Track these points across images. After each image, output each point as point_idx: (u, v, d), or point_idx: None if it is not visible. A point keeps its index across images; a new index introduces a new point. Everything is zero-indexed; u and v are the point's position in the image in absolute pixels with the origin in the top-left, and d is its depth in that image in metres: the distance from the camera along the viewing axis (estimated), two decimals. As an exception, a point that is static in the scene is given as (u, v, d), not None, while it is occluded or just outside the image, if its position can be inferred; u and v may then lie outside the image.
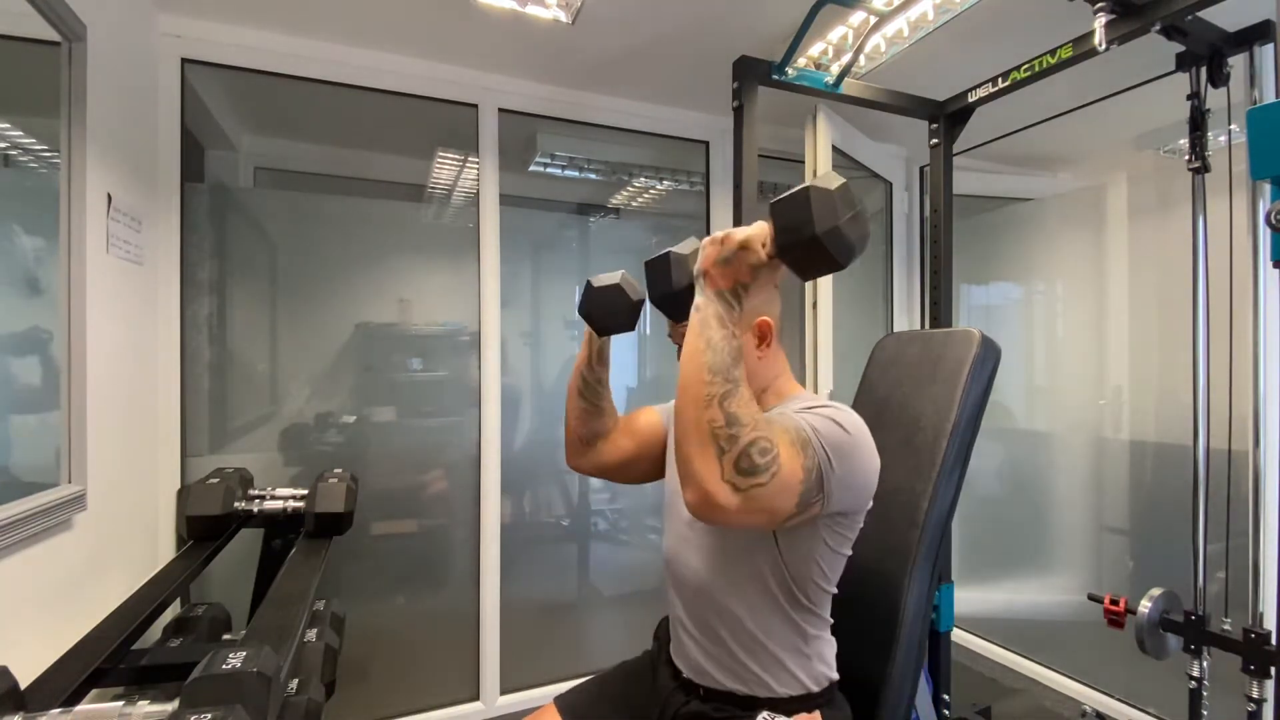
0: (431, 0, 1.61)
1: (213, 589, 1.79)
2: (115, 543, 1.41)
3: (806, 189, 0.71)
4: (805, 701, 0.92)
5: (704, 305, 0.78)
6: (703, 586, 0.96)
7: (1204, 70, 1.48)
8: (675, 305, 0.96)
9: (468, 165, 2.15)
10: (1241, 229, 1.51)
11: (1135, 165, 2.37)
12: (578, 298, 1.15)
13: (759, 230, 0.78)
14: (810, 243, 0.71)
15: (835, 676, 0.96)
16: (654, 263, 0.98)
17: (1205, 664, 1.47)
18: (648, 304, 1.07)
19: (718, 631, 0.95)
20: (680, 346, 1.05)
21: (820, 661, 0.94)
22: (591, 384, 1.14)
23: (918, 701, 1.15)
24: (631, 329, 1.10)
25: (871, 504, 0.89)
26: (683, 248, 0.96)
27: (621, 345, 1.17)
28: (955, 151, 1.92)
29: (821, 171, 0.75)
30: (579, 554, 2.42)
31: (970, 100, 1.78)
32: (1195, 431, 1.53)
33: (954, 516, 1.12)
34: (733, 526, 0.88)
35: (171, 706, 0.75)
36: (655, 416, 1.20)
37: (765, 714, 0.89)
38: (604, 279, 1.09)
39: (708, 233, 2.39)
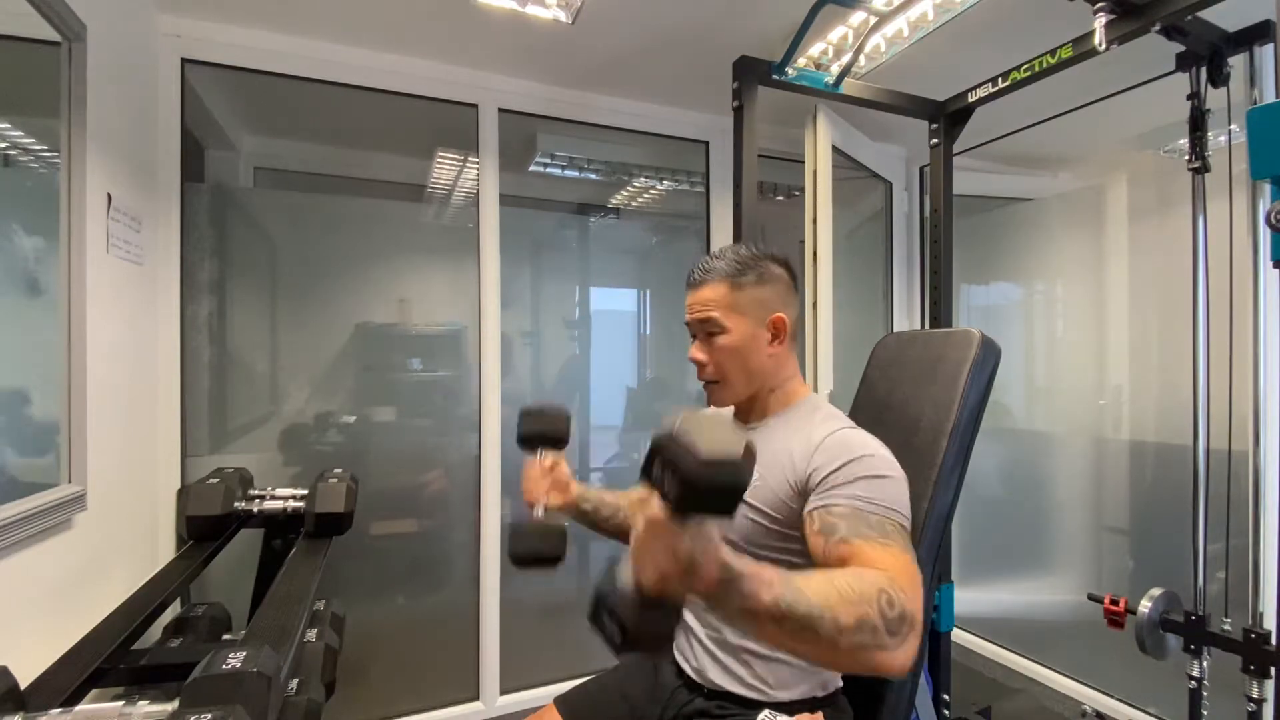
0: (431, 0, 1.61)
1: (213, 589, 1.79)
2: (115, 543, 1.41)
3: (652, 449, 0.58)
4: (808, 704, 0.92)
5: (722, 610, 0.62)
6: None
7: (1204, 70, 1.48)
8: None
9: (468, 165, 2.16)
10: (1241, 229, 1.51)
11: (1135, 165, 2.37)
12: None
13: (653, 510, 0.59)
14: (696, 492, 0.55)
15: (840, 684, 0.97)
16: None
17: (1205, 664, 1.47)
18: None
19: (725, 639, 0.95)
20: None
21: (826, 669, 0.95)
22: (588, 516, 1.16)
23: (918, 702, 1.15)
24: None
25: None
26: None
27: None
28: (955, 151, 1.92)
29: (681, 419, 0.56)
30: (579, 554, 2.42)
31: (970, 100, 1.78)
32: (1195, 431, 1.52)
33: (954, 516, 1.12)
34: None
35: (171, 706, 0.75)
36: None
37: (767, 713, 0.89)
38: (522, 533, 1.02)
39: (708, 234, 2.40)
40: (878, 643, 0.64)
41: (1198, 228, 1.54)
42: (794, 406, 1.01)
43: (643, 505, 0.60)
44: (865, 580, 0.67)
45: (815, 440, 0.89)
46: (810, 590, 0.63)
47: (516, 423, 1.10)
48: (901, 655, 0.66)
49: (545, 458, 1.11)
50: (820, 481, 0.85)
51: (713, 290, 0.97)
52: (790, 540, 0.88)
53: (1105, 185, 2.43)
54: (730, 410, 1.08)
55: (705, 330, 0.98)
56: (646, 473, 0.59)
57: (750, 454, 0.56)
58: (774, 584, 0.61)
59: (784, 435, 0.95)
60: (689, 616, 1.01)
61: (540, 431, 1.10)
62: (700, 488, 0.54)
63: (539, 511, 1.06)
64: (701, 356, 0.99)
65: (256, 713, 0.75)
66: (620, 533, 1.17)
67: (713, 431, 0.55)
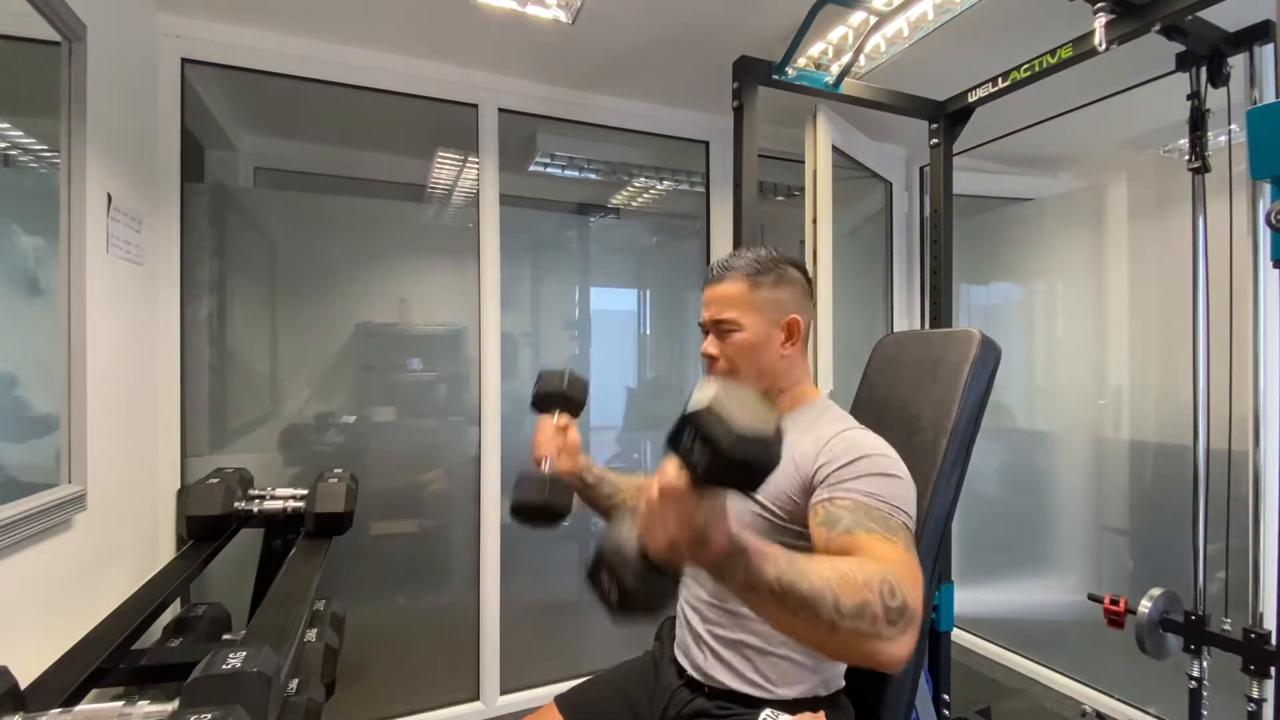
0: (431, 0, 1.61)
1: (213, 589, 1.79)
2: (115, 543, 1.41)
3: (686, 419, 0.58)
4: (810, 703, 0.92)
5: (726, 583, 0.63)
6: (716, 589, 0.96)
7: (1204, 70, 1.48)
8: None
9: (468, 165, 2.15)
10: (1241, 229, 1.51)
11: (1135, 165, 2.37)
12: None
13: (670, 478, 0.59)
14: (727, 465, 0.56)
15: (842, 683, 0.97)
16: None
17: (1205, 664, 1.47)
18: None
19: (728, 635, 0.95)
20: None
21: (829, 667, 0.95)
22: (590, 490, 1.15)
23: (918, 702, 1.15)
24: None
25: None
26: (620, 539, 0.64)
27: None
28: (955, 151, 1.92)
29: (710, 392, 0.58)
30: (579, 554, 2.42)
31: (970, 100, 1.78)
32: (1195, 431, 1.52)
33: (954, 516, 1.12)
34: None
35: (171, 706, 0.75)
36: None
37: (769, 711, 0.89)
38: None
39: (708, 234, 2.40)
40: (876, 631, 0.64)
41: (1198, 228, 1.54)
42: (803, 408, 1.02)
43: (659, 474, 0.61)
44: (869, 568, 0.68)
45: (824, 438, 0.90)
46: (813, 570, 0.64)
47: (534, 382, 1.10)
48: (899, 648, 0.65)
49: (559, 418, 1.11)
50: (827, 476, 0.85)
51: (731, 287, 0.99)
52: (796, 537, 0.89)
53: (1105, 185, 2.43)
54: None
55: (720, 327, 0.99)
56: (673, 441, 0.60)
57: (780, 435, 0.58)
58: (778, 560, 0.62)
59: (792, 435, 0.95)
60: (691, 614, 1.01)
61: (557, 392, 1.10)
62: (733, 461, 0.55)
63: (546, 468, 1.04)
64: (714, 351, 1.00)
65: (256, 713, 0.75)
66: (610, 514, 1.17)
67: (749, 407, 0.57)
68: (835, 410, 1.02)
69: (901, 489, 0.83)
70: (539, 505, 0.96)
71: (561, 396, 1.11)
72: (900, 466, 0.86)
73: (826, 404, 1.03)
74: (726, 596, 0.95)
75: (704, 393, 0.59)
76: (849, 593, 0.64)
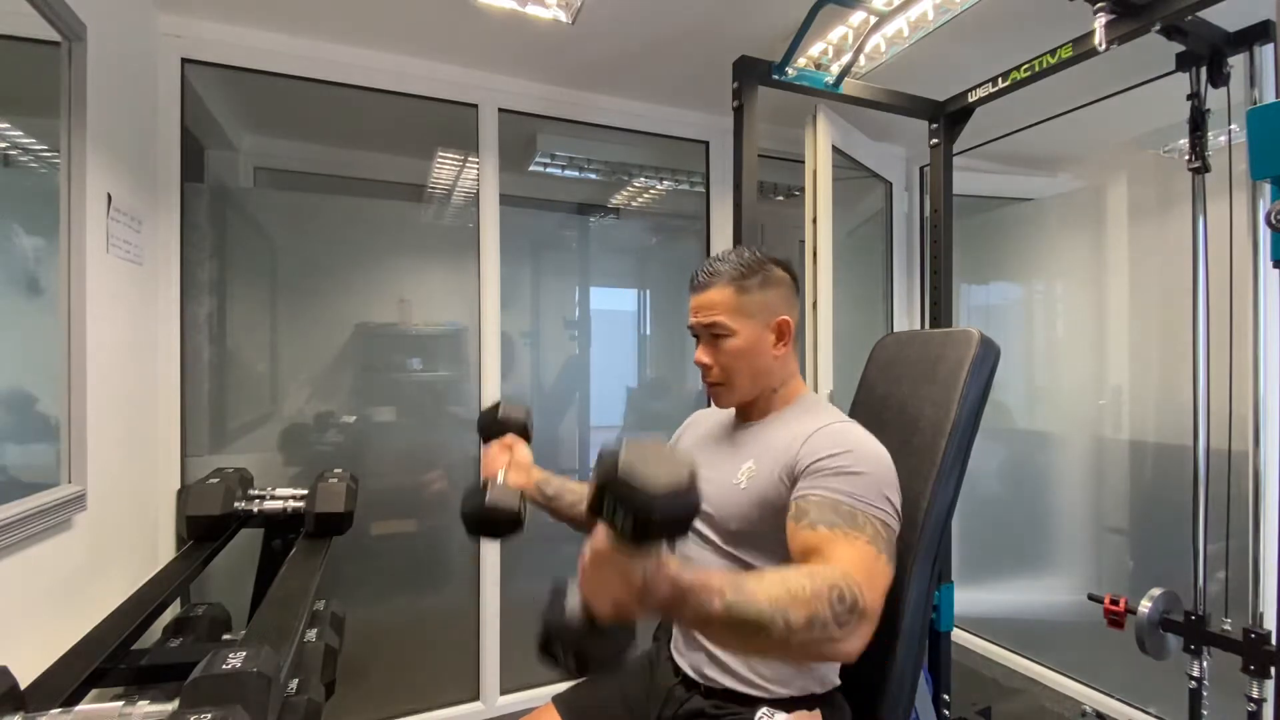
0: (431, 0, 1.62)
1: (213, 589, 1.79)
2: (115, 543, 1.41)
3: (601, 487, 0.59)
4: (805, 701, 0.93)
5: (677, 621, 0.68)
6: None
7: (1204, 70, 1.48)
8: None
9: (468, 165, 2.16)
10: (1241, 229, 1.51)
11: (1135, 165, 2.37)
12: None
13: (600, 541, 0.62)
14: (650, 525, 0.57)
15: (837, 681, 0.97)
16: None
17: (1205, 664, 1.47)
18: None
19: None
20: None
21: (824, 665, 0.95)
22: (550, 502, 1.15)
23: (918, 701, 1.15)
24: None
25: None
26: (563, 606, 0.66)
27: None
28: (955, 151, 1.92)
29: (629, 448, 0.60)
30: (579, 554, 2.42)
31: (970, 100, 1.78)
32: (1195, 431, 1.52)
33: (954, 516, 1.12)
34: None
35: (171, 706, 0.75)
36: None
37: (765, 710, 0.89)
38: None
39: (708, 234, 2.40)
40: (828, 635, 0.67)
41: (1198, 228, 1.54)
42: (794, 404, 1.04)
43: (591, 539, 0.63)
44: (818, 577, 0.70)
45: (807, 432, 0.92)
46: (761, 593, 0.65)
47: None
48: (850, 645, 0.69)
49: (505, 439, 1.14)
50: (806, 469, 0.88)
51: (718, 294, 0.99)
52: (784, 520, 0.90)
53: (1105, 185, 2.43)
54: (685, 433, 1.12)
55: (711, 333, 1.00)
56: (595, 509, 0.60)
57: (695, 478, 0.59)
58: (724, 591, 0.63)
59: (781, 429, 0.98)
60: None
61: (494, 420, 1.14)
62: (656, 521, 0.57)
63: (498, 479, 1.02)
64: (708, 360, 1.02)
65: (256, 713, 0.75)
66: (579, 522, 1.16)
67: (658, 463, 0.58)
68: (824, 405, 1.04)
69: (874, 484, 0.84)
70: (478, 510, 0.91)
71: (498, 423, 1.14)
72: (878, 461, 0.88)
73: (816, 398, 1.06)
74: None
75: (609, 458, 0.59)
76: (798, 609, 0.66)
